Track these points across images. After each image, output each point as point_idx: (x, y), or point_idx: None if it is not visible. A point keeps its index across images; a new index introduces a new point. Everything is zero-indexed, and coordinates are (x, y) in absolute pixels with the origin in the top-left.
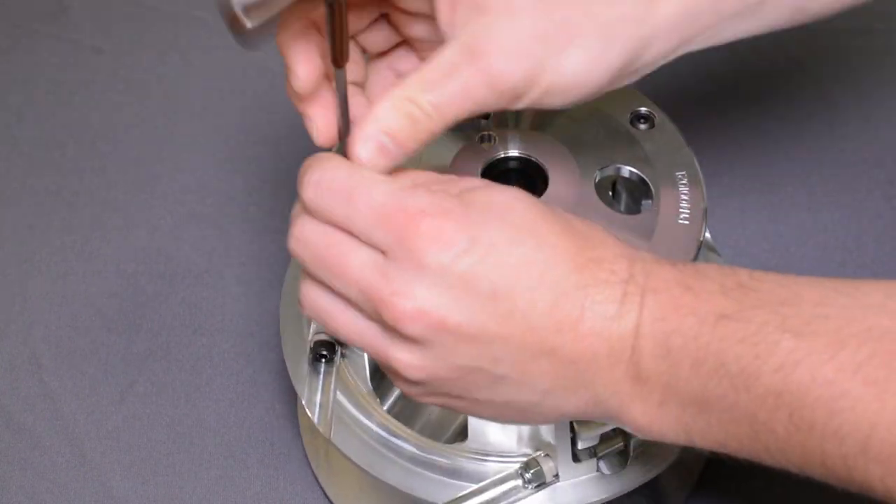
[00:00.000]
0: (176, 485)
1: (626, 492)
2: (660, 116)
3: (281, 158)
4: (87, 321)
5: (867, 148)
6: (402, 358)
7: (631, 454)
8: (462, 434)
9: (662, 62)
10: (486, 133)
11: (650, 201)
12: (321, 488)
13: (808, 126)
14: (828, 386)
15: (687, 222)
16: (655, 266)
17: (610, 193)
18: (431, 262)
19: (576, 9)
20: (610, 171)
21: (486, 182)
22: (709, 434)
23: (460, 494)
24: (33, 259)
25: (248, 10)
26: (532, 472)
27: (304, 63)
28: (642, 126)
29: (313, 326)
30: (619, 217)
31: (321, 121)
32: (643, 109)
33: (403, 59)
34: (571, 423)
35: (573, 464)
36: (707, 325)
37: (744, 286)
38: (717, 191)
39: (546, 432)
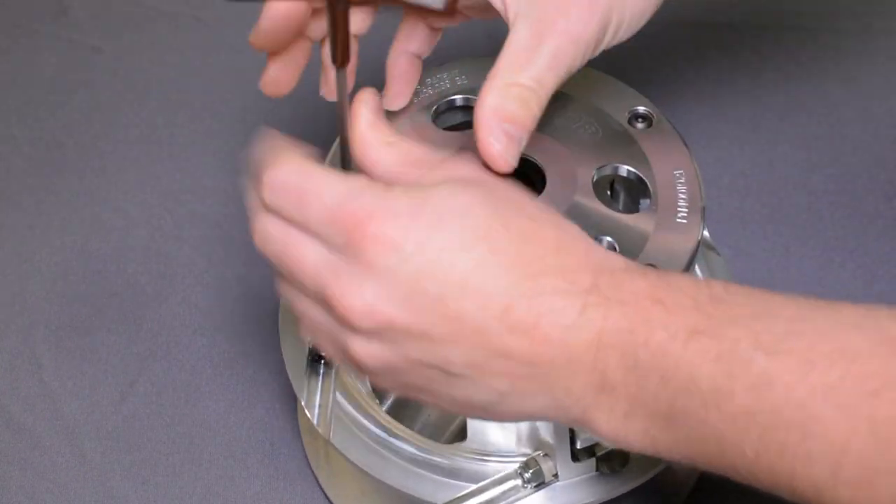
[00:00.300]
0: (176, 485)
1: (625, 491)
2: (658, 116)
3: None
4: (87, 321)
5: (867, 148)
6: (359, 348)
7: (630, 454)
8: (461, 434)
9: None
10: None
11: (648, 200)
12: (321, 488)
13: (808, 126)
14: (800, 408)
15: (685, 221)
16: (625, 277)
17: (608, 193)
18: (379, 265)
19: None
20: (608, 171)
21: (472, 173)
22: (675, 449)
23: (459, 494)
24: (33, 259)
25: None
26: (531, 471)
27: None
28: (640, 125)
29: None
30: (617, 216)
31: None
32: (641, 109)
33: (411, 37)
34: None
35: (572, 463)
36: (678, 340)
37: (717, 299)
38: (716, 191)
39: (545, 432)
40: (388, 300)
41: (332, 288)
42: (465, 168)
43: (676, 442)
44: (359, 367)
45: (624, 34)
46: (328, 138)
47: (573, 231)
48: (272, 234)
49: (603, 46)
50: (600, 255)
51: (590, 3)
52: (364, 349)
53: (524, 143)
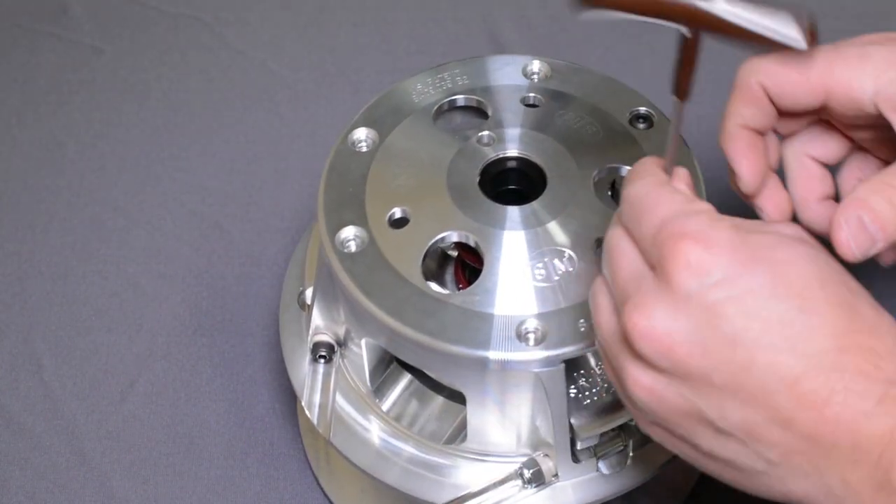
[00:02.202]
0: (176, 485)
1: (625, 491)
2: (658, 116)
3: (281, 158)
4: (87, 321)
5: None
6: (634, 372)
7: (630, 454)
8: (461, 434)
9: None
10: (485, 133)
11: None
12: (321, 488)
13: None
14: None
15: None
16: None
17: (609, 193)
18: (678, 286)
19: None
20: (609, 171)
21: (800, 233)
22: None
23: (460, 495)
24: (33, 259)
25: None
26: (532, 472)
27: (748, 165)
28: (641, 126)
29: (313, 327)
30: None
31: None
32: (642, 109)
33: (816, 140)
34: (570, 423)
35: (573, 464)
36: None
37: None
38: (716, 191)
39: (546, 432)
40: (673, 326)
41: (630, 299)
42: (792, 228)
43: None
44: (626, 394)
45: None
46: (328, 138)
47: (889, 318)
48: (611, 241)
49: None
50: None
51: None
52: (637, 376)
53: (878, 246)
